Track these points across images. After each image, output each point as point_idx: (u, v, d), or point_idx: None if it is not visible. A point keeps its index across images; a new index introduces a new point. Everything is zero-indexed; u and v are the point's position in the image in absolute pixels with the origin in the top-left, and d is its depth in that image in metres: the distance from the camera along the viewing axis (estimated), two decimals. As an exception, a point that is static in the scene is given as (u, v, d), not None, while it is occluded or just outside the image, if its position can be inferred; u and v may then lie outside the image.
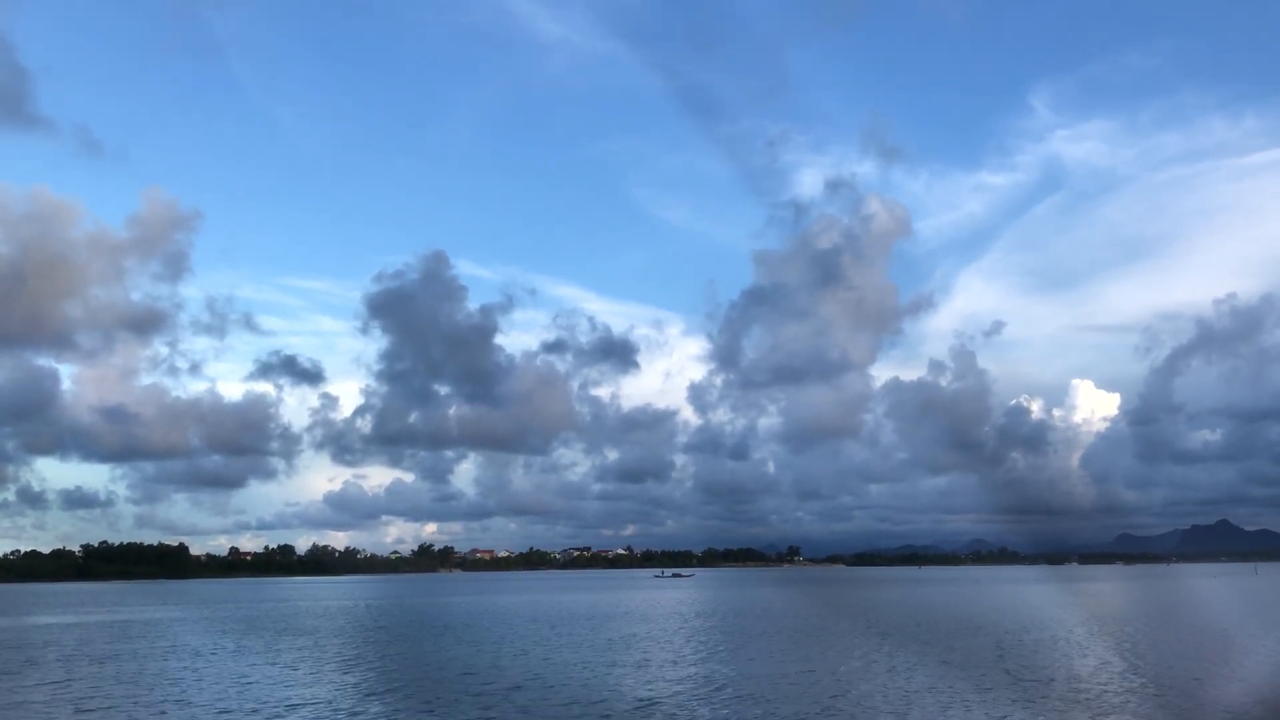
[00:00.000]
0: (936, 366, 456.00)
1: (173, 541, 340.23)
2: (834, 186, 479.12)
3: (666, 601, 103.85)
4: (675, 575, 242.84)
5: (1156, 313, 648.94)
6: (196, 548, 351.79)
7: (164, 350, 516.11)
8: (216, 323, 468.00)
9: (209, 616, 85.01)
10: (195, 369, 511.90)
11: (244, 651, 49.54)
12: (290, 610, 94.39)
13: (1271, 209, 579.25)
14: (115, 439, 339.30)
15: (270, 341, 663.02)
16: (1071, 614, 71.53)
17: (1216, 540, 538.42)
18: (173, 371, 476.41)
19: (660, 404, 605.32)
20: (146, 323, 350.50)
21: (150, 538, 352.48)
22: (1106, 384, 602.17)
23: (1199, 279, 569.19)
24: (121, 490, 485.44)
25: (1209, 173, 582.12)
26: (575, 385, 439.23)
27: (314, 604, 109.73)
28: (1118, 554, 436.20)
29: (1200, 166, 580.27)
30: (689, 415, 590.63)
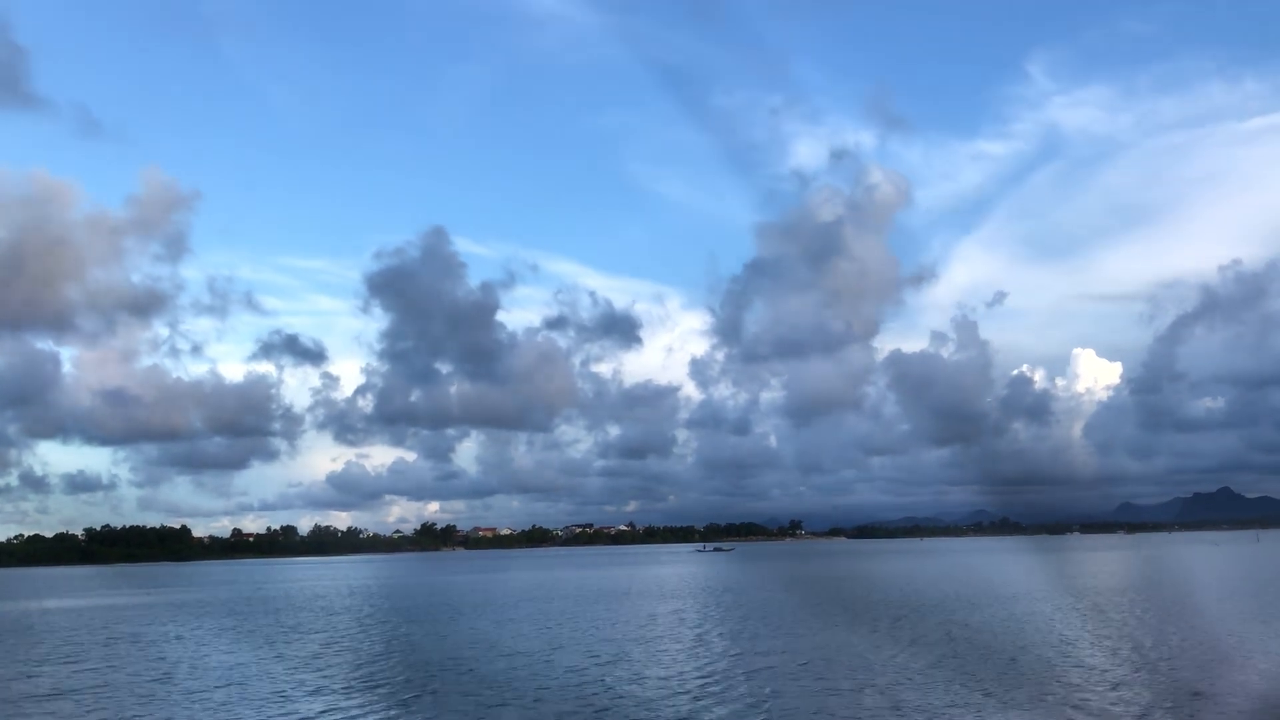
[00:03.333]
0: (938, 338, 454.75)
1: (175, 524, 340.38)
2: (837, 156, 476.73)
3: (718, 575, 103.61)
4: (716, 549, 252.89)
5: (1159, 281, 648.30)
6: (199, 529, 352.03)
7: (165, 332, 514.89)
8: (217, 303, 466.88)
9: (181, 603, 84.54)
10: (196, 350, 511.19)
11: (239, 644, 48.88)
12: (298, 593, 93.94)
13: (1273, 174, 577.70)
14: (117, 422, 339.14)
15: (271, 322, 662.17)
16: (1042, 583, 71.13)
17: (1218, 508, 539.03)
18: (174, 353, 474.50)
19: (662, 379, 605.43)
20: (147, 304, 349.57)
21: (153, 520, 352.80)
22: (1109, 353, 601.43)
23: (1201, 246, 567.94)
24: (124, 473, 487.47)
25: (1208, 138, 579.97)
26: (577, 361, 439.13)
27: (324, 586, 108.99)
28: (1119, 523, 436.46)
29: (1199, 132, 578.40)
30: (691, 390, 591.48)
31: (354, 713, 25.75)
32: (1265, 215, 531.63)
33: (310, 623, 55.43)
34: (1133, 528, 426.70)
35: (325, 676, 32.44)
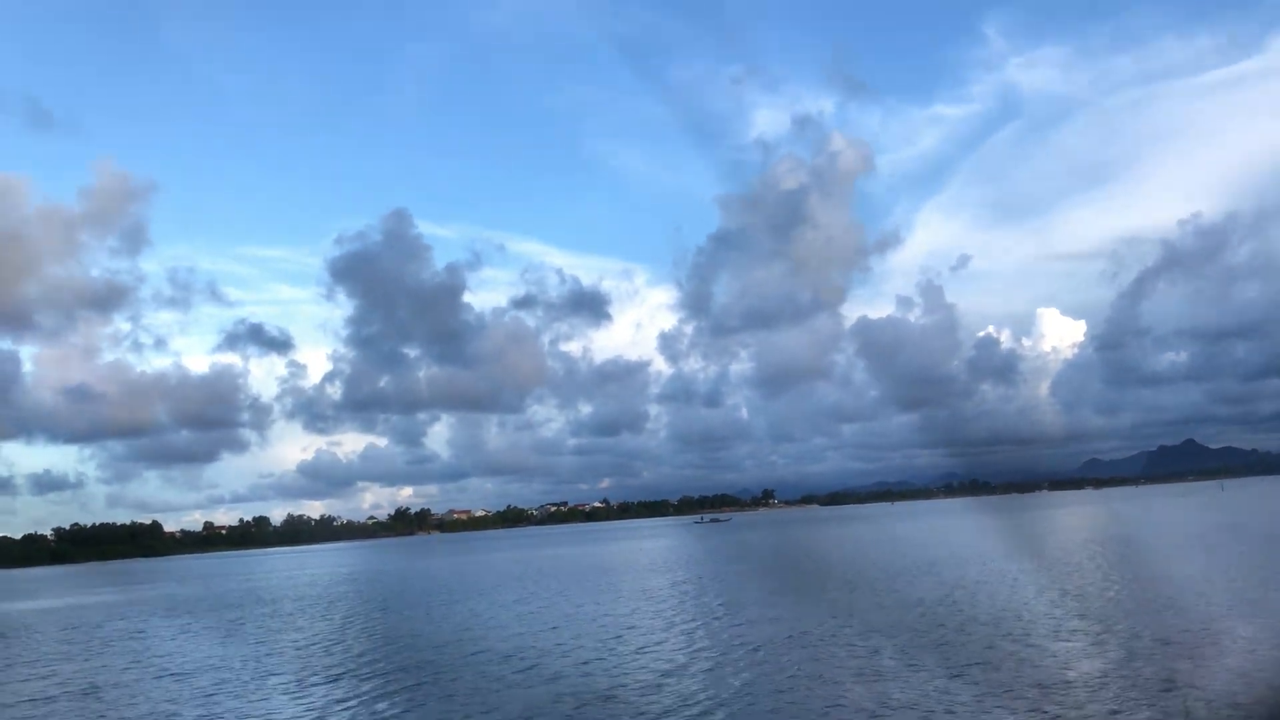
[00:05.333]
0: (905, 303, 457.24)
1: (146, 519, 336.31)
2: (799, 124, 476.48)
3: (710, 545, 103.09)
4: (714, 520, 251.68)
5: (1120, 237, 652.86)
6: (171, 524, 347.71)
7: (126, 326, 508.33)
8: (179, 295, 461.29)
9: (161, 598, 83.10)
10: (160, 344, 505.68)
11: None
12: (278, 585, 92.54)
13: (1228, 128, 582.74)
14: (81, 419, 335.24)
15: (235, 312, 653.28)
16: (1005, 544, 71.36)
17: (1183, 460, 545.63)
18: (136, 347, 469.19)
19: (632, 355, 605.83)
20: (107, 298, 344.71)
21: (123, 517, 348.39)
22: (1073, 311, 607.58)
23: (1161, 202, 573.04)
24: (91, 471, 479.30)
25: (1164, 94, 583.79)
26: (546, 340, 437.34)
27: (304, 576, 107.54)
28: (1086, 479, 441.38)
29: (1155, 88, 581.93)
30: (661, 365, 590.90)
31: (352, 704, 24.68)
32: (1222, 169, 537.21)
33: (298, 613, 54.17)
34: (1100, 483, 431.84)
35: (319, 667, 31.31)
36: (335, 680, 28.35)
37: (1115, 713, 17.95)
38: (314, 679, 28.85)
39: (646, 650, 29.75)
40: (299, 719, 23.13)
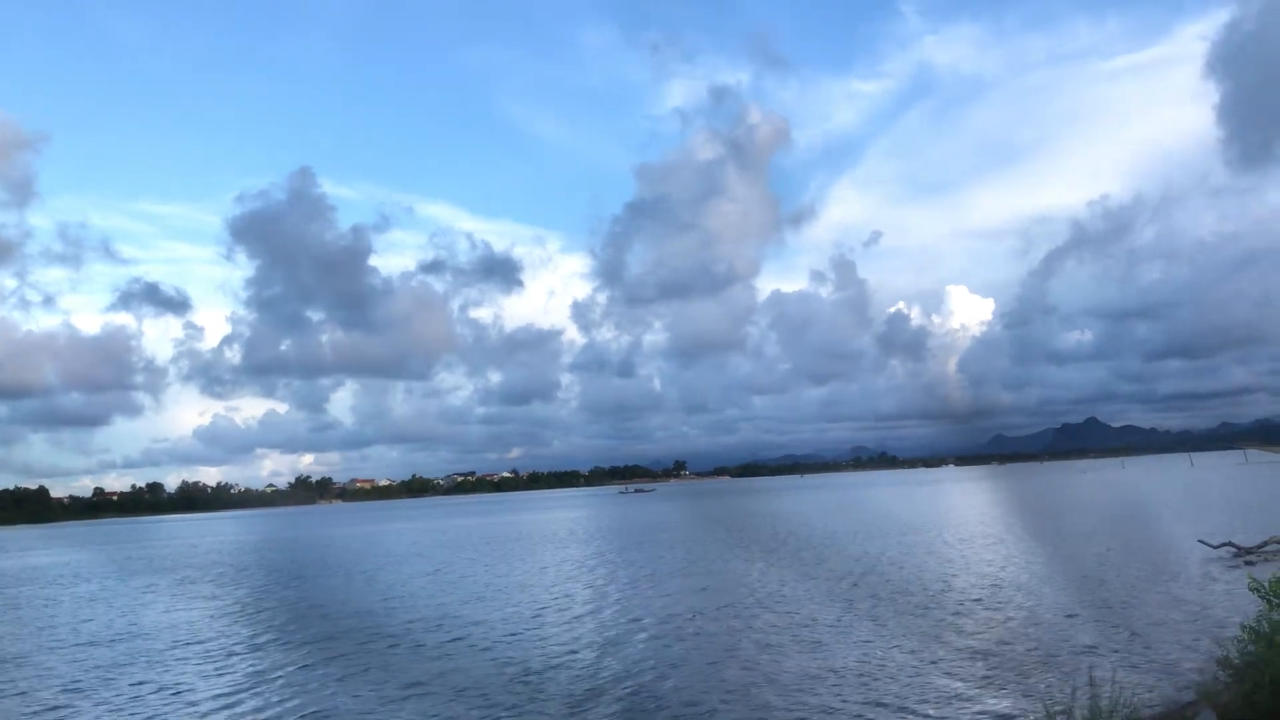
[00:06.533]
0: (818, 277, 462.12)
1: (32, 485, 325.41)
2: (717, 96, 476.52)
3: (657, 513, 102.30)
4: (638, 490, 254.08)
5: (1030, 217, 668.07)
6: (58, 490, 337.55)
7: (12, 283, 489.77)
8: (70, 251, 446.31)
9: (36, 566, 79.95)
10: (48, 301, 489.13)
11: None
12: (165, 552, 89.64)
13: (1137, 112, 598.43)
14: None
15: (128, 271, 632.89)
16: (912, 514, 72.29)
17: (1086, 438, 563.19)
18: (23, 304, 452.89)
19: (544, 323, 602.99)
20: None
21: (6, 482, 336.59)
22: (982, 289, 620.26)
23: (1071, 182, 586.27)
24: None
25: (1074, 77, 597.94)
26: (455, 306, 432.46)
27: (203, 543, 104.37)
28: (992, 455, 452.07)
29: (1065, 70, 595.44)
30: (573, 334, 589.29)
31: (279, 676, 23.33)
32: (1130, 151, 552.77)
33: (209, 580, 52.09)
34: (1005, 458, 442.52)
35: (241, 636, 29.75)
36: (258, 651, 26.91)
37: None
38: (237, 648, 27.35)
39: (582, 619, 28.85)
40: (226, 693, 21.67)
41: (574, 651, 23.73)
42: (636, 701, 18.42)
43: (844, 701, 17.43)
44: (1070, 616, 24.24)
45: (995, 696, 17.00)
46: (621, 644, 24.42)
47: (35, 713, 20.86)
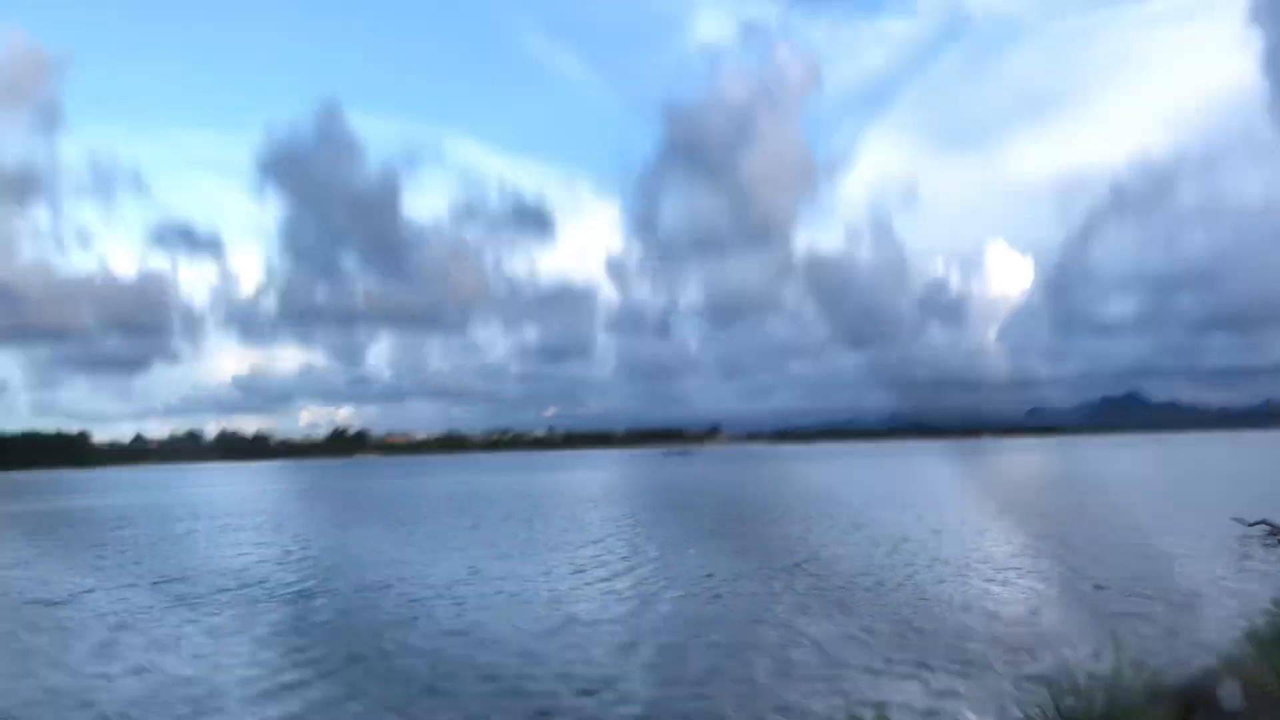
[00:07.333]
0: (854, 235, 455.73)
1: (74, 429, 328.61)
2: (745, 31, 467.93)
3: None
4: (681, 454, 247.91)
5: (1068, 171, 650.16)
6: (100, 434, 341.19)
7: (46, 220, 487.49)
8: (100, 183, 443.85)
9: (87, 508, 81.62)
10: (83, 239, 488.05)
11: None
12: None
13: (1177, 61, 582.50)
14: (1, 320, 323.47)
15: (159, 207, 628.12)
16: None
17: (1126, 413, 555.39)
18: (59, 245, 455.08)
19: (578, 278, 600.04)
20: (22, 185, 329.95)
21: (49, 425, 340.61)
22: (1021, 246, 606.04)
23: (1110, 134, 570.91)
24: (14, 375, 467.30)
25: (1112, 22, 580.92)
26: (489, 258, 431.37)
27: (245, 493, 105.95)
28: (1030, 427, 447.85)
29: (1103, 15, 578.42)
30: (609, 291, 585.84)
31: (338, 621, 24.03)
32: (1170, 102, 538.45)
33: (252, 528, 53.22)
34: (1043, 431, 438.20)
35: (285, 581, 30.55)
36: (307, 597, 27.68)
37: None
38: (283, 593, 28.14)
39: (617, 577, 29.41)
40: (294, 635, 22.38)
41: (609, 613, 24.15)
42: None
43: (874, 657, 17.80)
44: (1099, 588, 24.37)
45: (1018, 664, 17.26)
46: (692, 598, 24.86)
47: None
